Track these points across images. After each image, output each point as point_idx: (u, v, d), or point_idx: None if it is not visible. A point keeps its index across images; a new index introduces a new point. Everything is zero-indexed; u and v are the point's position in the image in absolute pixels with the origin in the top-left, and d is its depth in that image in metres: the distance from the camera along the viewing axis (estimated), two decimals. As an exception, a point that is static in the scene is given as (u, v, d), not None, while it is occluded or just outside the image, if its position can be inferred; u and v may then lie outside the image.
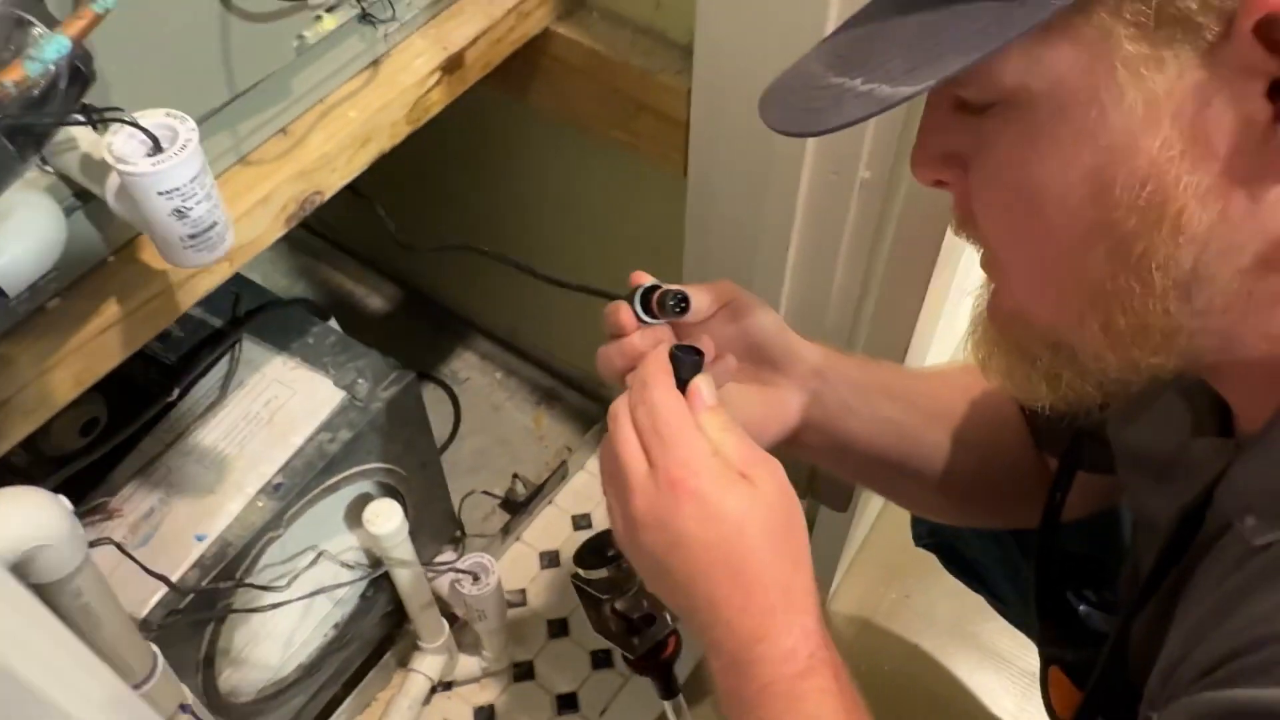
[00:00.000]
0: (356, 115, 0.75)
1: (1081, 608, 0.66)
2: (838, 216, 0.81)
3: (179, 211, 0.53)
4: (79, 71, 0.49)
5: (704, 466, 0.52)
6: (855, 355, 0.73)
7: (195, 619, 0.81)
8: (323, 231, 1.57)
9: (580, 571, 0.68)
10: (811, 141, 0.77)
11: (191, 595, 0.78)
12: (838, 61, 0.42)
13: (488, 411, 1.46)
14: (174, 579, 0.78)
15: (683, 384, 0.55)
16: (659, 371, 0.54)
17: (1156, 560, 0.49)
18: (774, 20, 0.71)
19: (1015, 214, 0.43)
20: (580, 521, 1.35)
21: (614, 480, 0.53)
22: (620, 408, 0.54)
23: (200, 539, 0.80)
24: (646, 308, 0.60)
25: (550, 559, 1.32)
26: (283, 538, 0.85)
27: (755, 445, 0.54)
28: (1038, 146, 0.40)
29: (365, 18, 0.74)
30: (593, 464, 1.41)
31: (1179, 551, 0.48)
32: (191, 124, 0.53)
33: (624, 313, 0.61)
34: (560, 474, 1.36)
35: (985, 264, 0.50)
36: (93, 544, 0.65)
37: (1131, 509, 0.66)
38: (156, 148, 0.51)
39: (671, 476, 0.51)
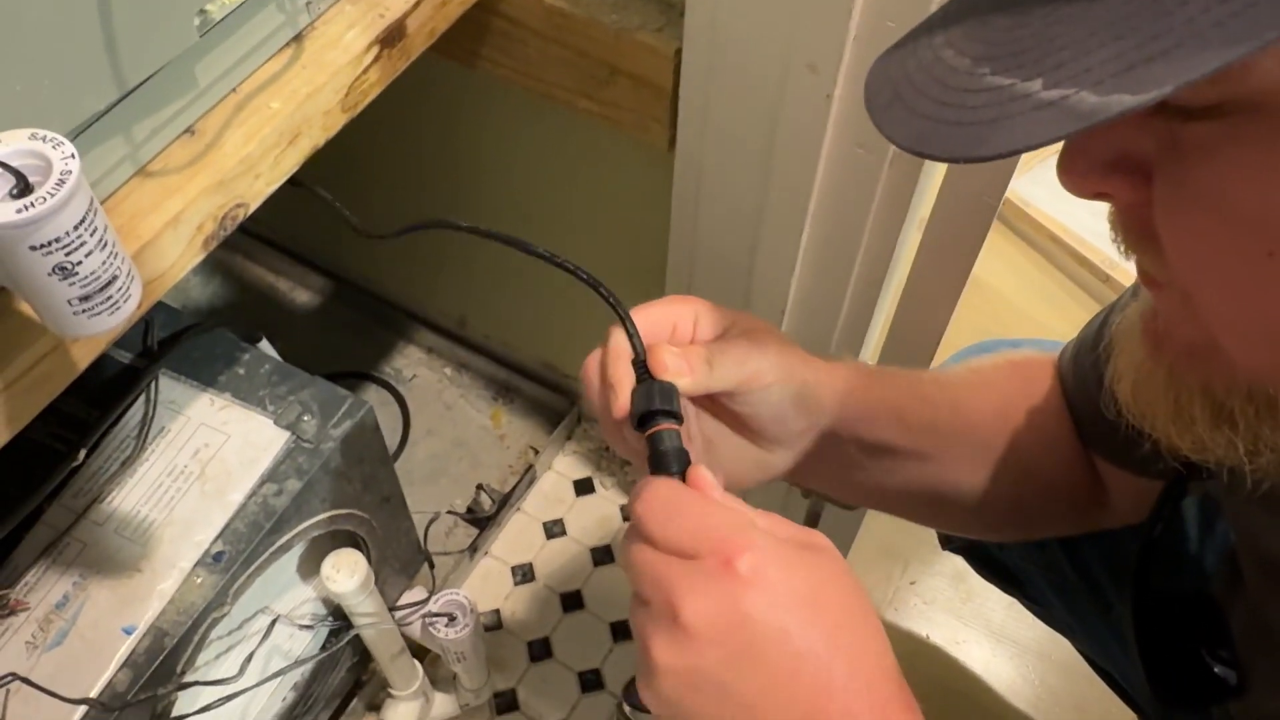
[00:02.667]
0: (281, 106, 0.61)
1: (1218, 669, 0.56)
2: (863, 197, 0.69)
3: (62, 269, 0.39)
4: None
5: (756, 538, 0.40)
6: (889, 379, 0.59)
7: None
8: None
9: (630, 711, 0.55)
10: (835, 110, 0.65)
11: (122, 709, 0.64)
12: (993, 50, 0.29)
13: (440, 412, 1.32)
14: (100, 686, 0.64)
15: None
16: (655, 483, 0.44)
17: None
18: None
19: (1238, 254, 0.31)
20: (553, 529, 1.23)
21: (652, 609, 0.40)
22: (628, 535, 0.43)
23: (129, 631, 0.66)
24: (645, 416, 0.47)
25: (524, 573, 1.20)
26: (229, 615, 0.71)
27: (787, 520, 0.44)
28: None
29: (283, -17, 0.60)
30: (561, 464, 1.29)
31: None
32: (69, 148, 0.39)
33: (620, 389, 0.48)
34: (527, 478, 1.24)
35: (1152, 284, 0.38)
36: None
37: (1236, 528, 0.56)
38: (23, 187, 0.37)
39: (725, 555, 0.39)
